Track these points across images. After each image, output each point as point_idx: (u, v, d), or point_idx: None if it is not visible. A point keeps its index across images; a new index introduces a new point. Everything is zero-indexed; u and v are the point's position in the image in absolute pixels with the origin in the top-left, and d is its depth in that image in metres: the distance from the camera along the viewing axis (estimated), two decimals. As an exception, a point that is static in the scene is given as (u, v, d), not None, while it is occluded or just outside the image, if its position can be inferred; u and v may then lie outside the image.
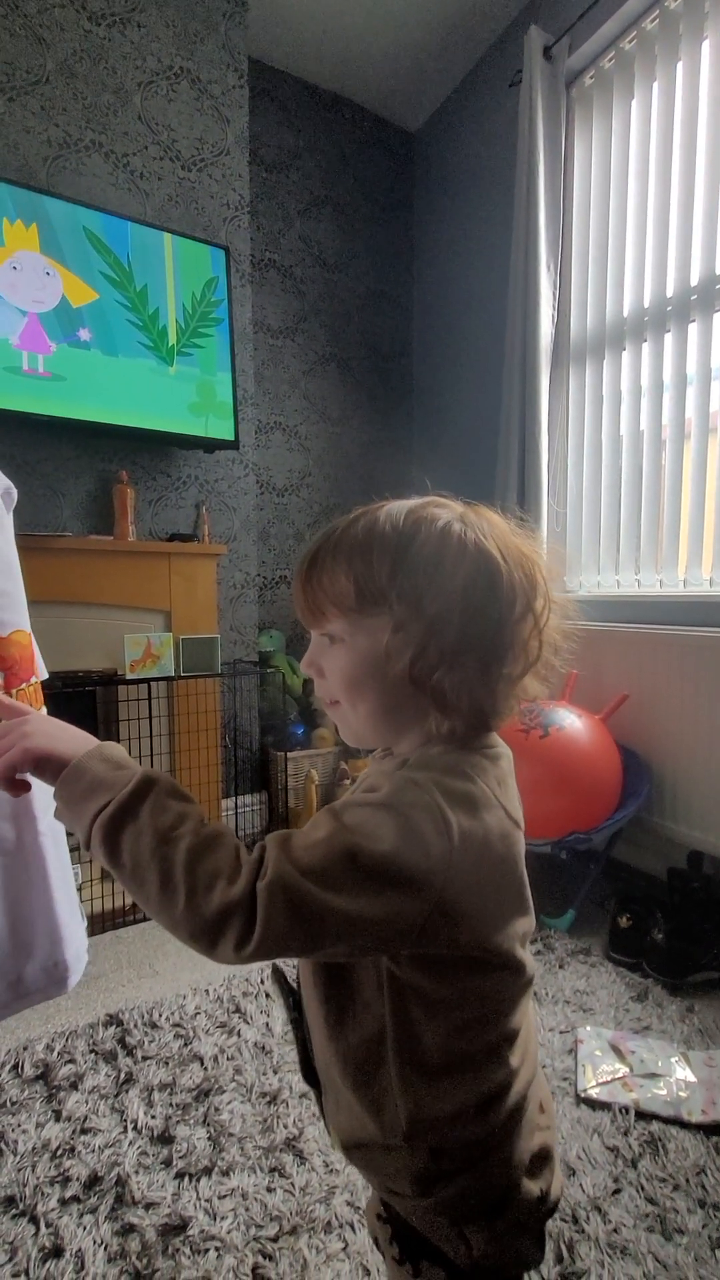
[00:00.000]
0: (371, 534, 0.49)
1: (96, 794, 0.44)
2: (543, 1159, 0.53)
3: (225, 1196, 0.90)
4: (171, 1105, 1.06)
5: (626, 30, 1.88)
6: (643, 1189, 0.91)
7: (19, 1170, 0.94)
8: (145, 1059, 1.16)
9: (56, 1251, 0.83)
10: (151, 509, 2.03)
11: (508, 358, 2.11)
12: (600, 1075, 1.11)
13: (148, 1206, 0.88)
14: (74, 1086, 1.10)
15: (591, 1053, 1.16)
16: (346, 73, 2.53)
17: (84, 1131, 1.01)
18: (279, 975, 0.58)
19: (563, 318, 2.08)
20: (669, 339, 1.77)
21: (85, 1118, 1.03)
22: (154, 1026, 1.24)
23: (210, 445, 2.01)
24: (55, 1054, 1.17)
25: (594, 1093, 1.08)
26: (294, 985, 0.58)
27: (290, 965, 0.57)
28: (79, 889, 0.79)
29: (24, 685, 0.67)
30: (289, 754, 2.15)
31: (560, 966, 1.44)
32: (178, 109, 2.00)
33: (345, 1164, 0.95)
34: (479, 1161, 0.49)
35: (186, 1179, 0.93)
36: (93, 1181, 0.92)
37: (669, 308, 1.77)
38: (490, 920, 0.47)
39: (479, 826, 0.44)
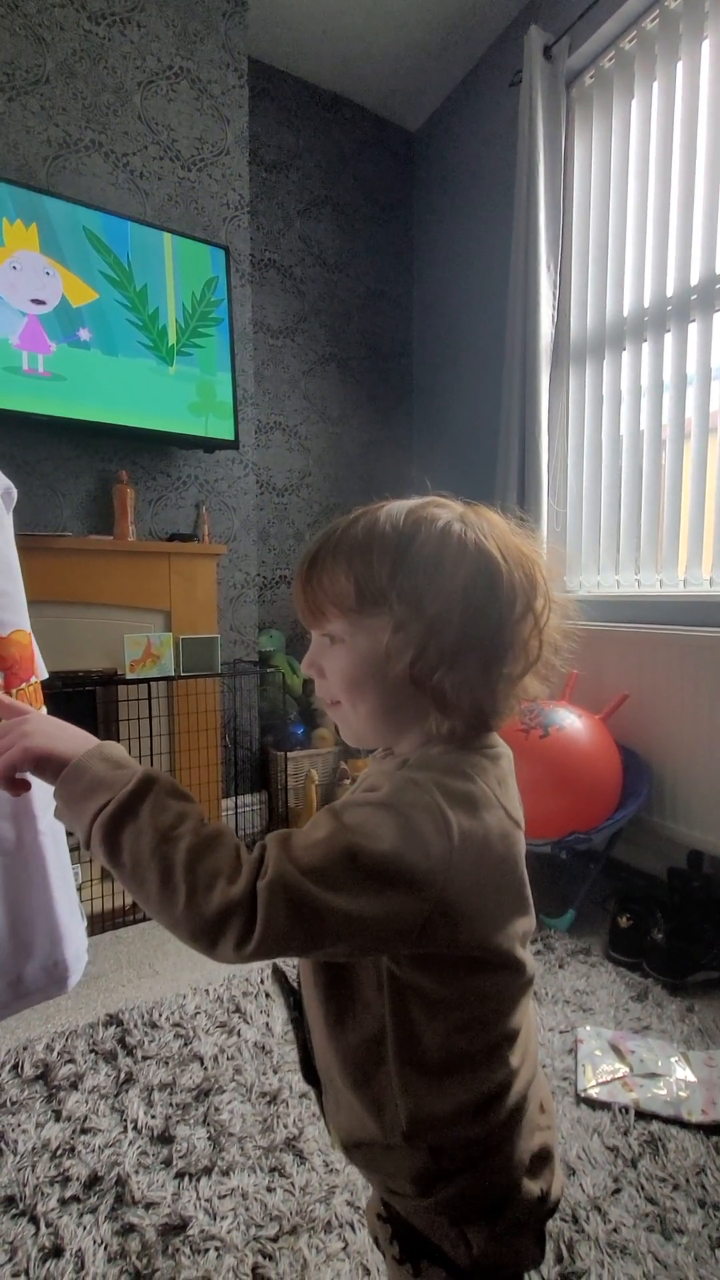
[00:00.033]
0: (372, 534, 0.49)
1: (96, 793, 0.44)
2: (543, 1159, 0.53)
3: (225, 1196, 0.90)
4: (171, 1105, 1.06)
5: (626, 30, 1.88)
6: (643, 1189, 0.91)
7: (19, 1170, 0.94)
8: (145, 1059, 1.16)
9: (56, 1251, 0.83)
10: (151, 509, 2.03)
11: (508, 357, 2.11)
12: (600, 1075, 1.11)
13: (148, 1206, 0.88)
14: (74, 1086, 1.10)
15: (591, 1052, 1.16)
16: (346, 72, 2.53)
17: (84, 1131, 1.01)
18: (280, 975, 0.58)
19: (563, 317, 2.08)
20: (669, 339, 1.77)
21: (85, 1117, 1.03)
22: (154, 1026, 1.24)
23: (210, 445, 2.01)
24: (55, 1054, 1.16)
25: (594, 1092, 1.08)
26: (294, 985, 0.58)
27: (291, 965, 0.57)
28: (79, 889, 0.79)
29: (24, 685, 0.67)
30: (289, 754, 2.15)
31: (560, 966, 1.44)
32: (178, 109, 2.00)
33: (345, 1164, 0.95)
34: (479, 1161, 0.49)
35: (186, 1179, 0.93)
36: (93, 1181, 0.92)
37: (669, 307, 1.77)
38: (490, 920, 0.47)
39: (479, 826, 0.44)
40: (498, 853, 0.46)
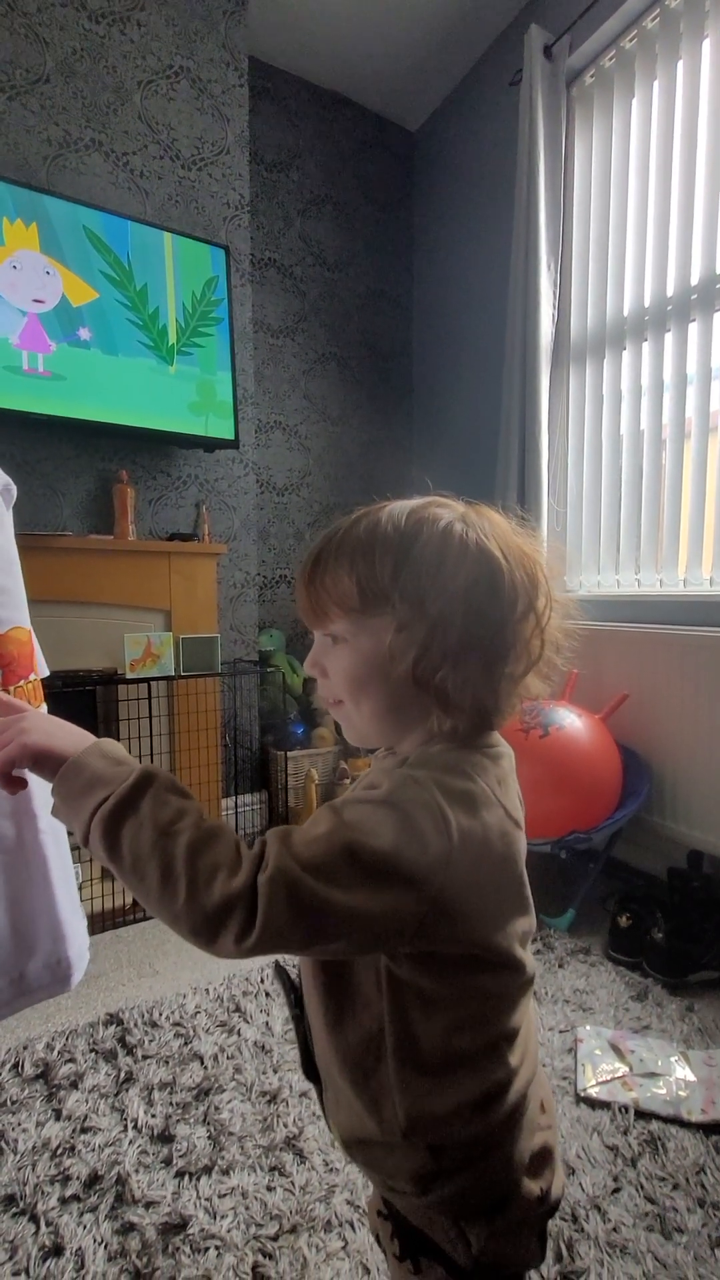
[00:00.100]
0: (374, 534, 0.49)
1: (95, 789, 0.44)
2: (543, 1158, 0.53)
3: (225, 1195, 0.90)
4: (171, 1104, 1.06)
5: (627, 29, 1.88)
6: (642, 1188, 0.91)
7: (19, 1169, 0.94)
8: (145, 1058, 1.16)
9: (57, 1250, 0.83)
10: (151, 508, 2.03)
11: (508, 357, 2.11)
12: (600, 1074, 1.11)
13: (148, 1205, 0.89)
14: (74, 1085, 1.10)
15: (591, 1052, 1.16)
16: (347, 72, 2.53)
17: (84, 1130, 1.01)
18: (281, 971, 0.58)
19: (563, 317, 2.08)
20: (669, 338, 1.77)
21: (85, 1116, 1.03)
22: (154, 1025, 1.24)
23: (210, 444, 2.01)
24: (55, 1053, 1.17)
25: (593, 1092, 1.08)
26: (296, 982, 0.58)
27: (292, 962, 0.57)
28: (79, 888, 0.79)
29: (22, 682, 0.67)
30: (289, 753, 2.15)
31: (560, 966, 1.44)
32: (178, 108, 2.00)
33: (345, 1163, 0.95)
34: (479, 1160, 0.49)
35: (186, 1178, 0.93)
36: (93, 1180, 0.92)
37: (669, 307, 1.77)
38: (489, 919, 0.47)
39: (478, 825, 0.45)
40: (497, 852, 0.46)
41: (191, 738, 1.93)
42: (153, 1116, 1.03)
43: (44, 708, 0.68)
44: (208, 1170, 0.94)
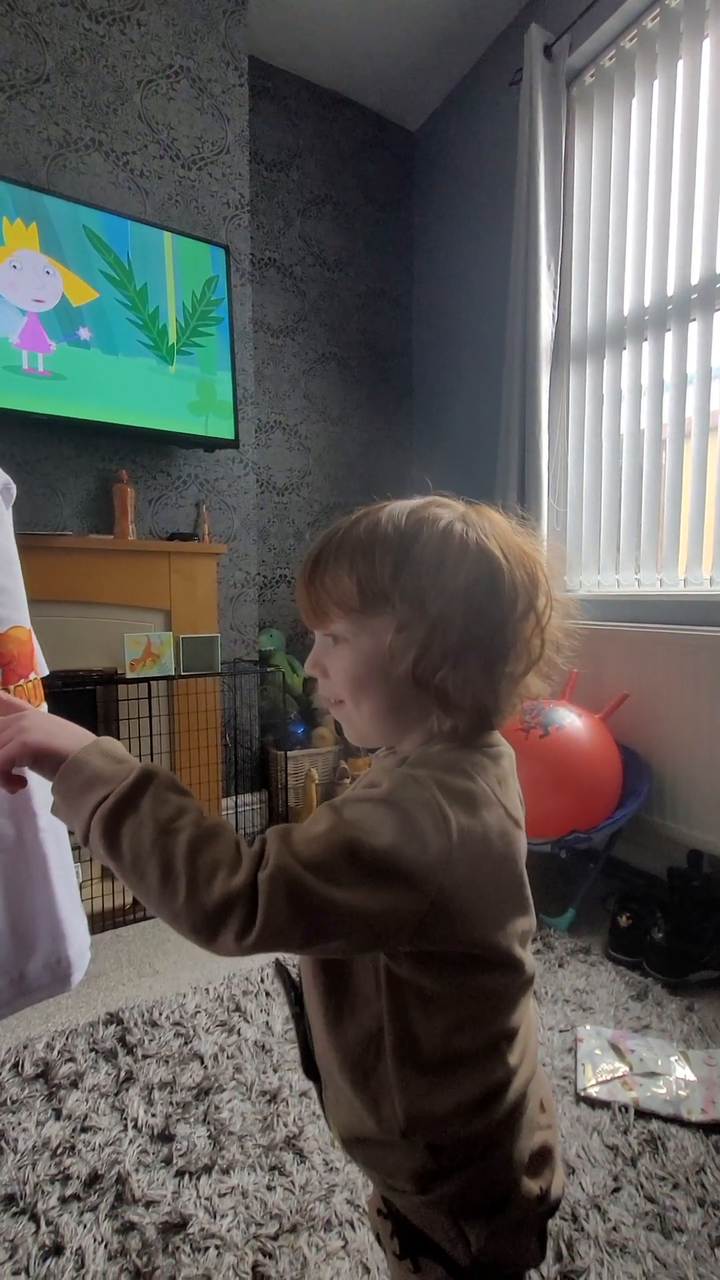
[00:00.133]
0: (374, 534, 0.49)
1: (95, 787, 0.44)
2: (543, 1157, 0.53)
3: (225, 1195, 0.90)
4: (171, 1104, 1.06)
5: (627, 29, 1.88)
6: (642, 1187, 0.91)
7: (19, 1168, 0.94)
8: (145, 1057, 1.16)
9: (57, 1249, 0.83)
10: (151, 508, 2.03)
11: (508, 356, 2.11)
12: (600, 1074, 1.11)
13: (148, 1205, 0.89)
14: (74, 1085, 1.10)
15: (591, 1051, 1.16)
16: (347, 71, 2.53)
17: (84, 1130, 1.01)
18: (282, 970, 0.58)
19: (563, 317, 2.08)
20: (669, 338, 1.77)
21: (85, 1116, 1.03)
22: (154, 1025, 1.24)
23: (210, 444, 2.01)
24: (55, 1052, 1.17)
25: (593, 1091, 1.08)
26: (296, 980, 0.58)
27: (292, 961, 0.57)
28: (79, 887, 0.79)
29: (22, 681, 0.67)
30: (289, 753, 2.15)
31: (560, 965, 1.44)
32: (178, 108, 2.00)
33: (345, 1162, 0.95)
34: (478, 1159, 0.49)
35: (187, 1177, 0.93)
36: (93, 1180, 0.92)
37: (669, 307, 1.77)
38: (489, 918, 0.47)
39: (478, 824, 0.45)
40: (497, 851, 0.46)
41: (191, 737, 1.93)
42: (153, 1116, 1.03)
43: (44, 707, 0.68)
44: (208, 1170, 0.94)
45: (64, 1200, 0.89)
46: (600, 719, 1.68)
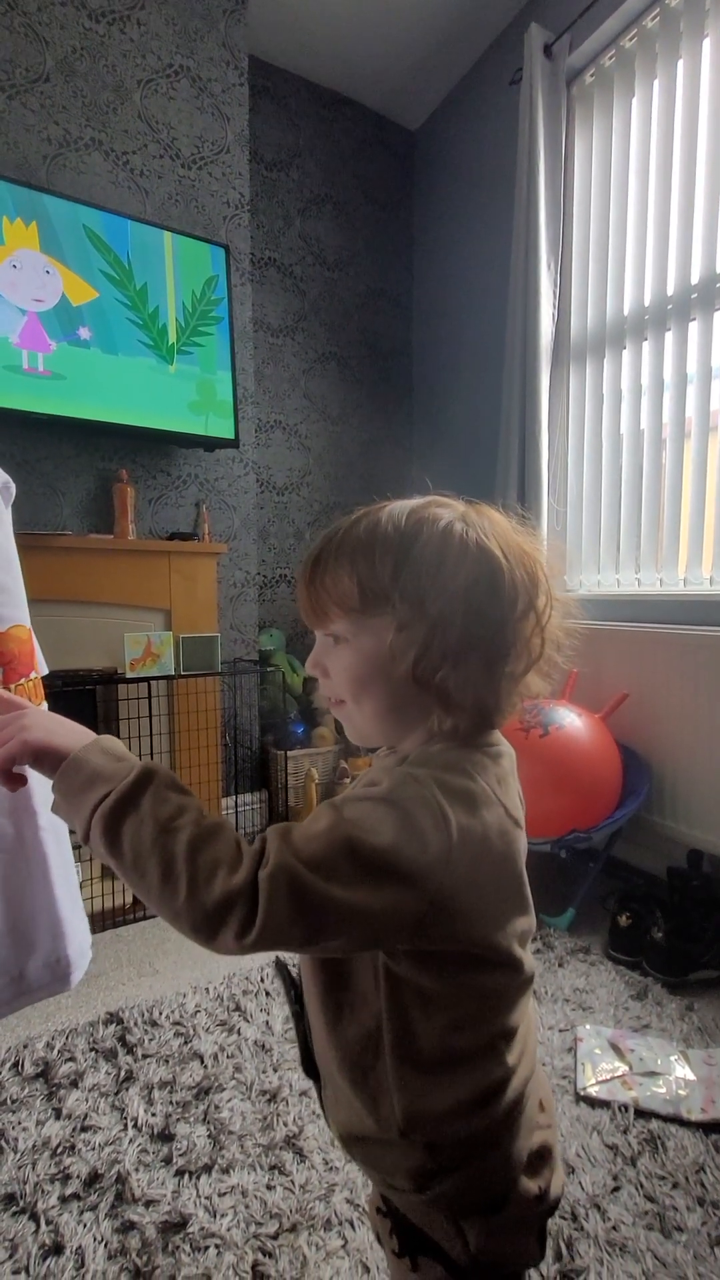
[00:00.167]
0: (374, 534, 0.49)
1: (96, 785, 0.44)
2: (542, 1157, 0.53)
3: (225, 1194, 0.90)
4: (171, 1103, 1.06)
5: (627, 28, 1.88)
6: (642, 1187, 0.91)
7: (19, 1168, 0.94)
8: (145, 1057, 1.16)
9: (57, 1249, 0.83)
10: (151, 508, 2.03)
11: (508, 356, 2.11)
12: (600, 1073, 1.11)
13: (148, 1204, 0.89)
14: (74, 1084, 1.10)
15: (591, 1051, 1.17)
16: (347, 71, 2.53)
17: (84, 1129, 1.01)
18: (282, 968, 0.59)
19: (563, 316, 2.08)
20: (669, 338, 1.77)
21: (85, 1115, 1.03)
22: (154, 1024, 1.24)
23: (210, 444, 2.01)
24: (55, 1052, 1.17)
25: (593, 1091, 1.08)
26: (296, 979, 0.58)
27: (292, 960, 0.57)
28: (79, 886, 0.79)
29: (23, 680, 0.67)
30: (289, 753, 2.15)
31: (560, 965, 1.44)
32: (178, 107, 2.00)
33: (345, 1161, 0.95)
34: (476, 1158, 0.49)
35: (186, 1176, 0.93)
36: (93, 1179, 0.93)
37: (669, 306, 1.77)
38: (488, 918, 0.47)
39: (478, 824, 0.45)
40: (497, 850, 0.46)
41: (191, 737, 1.93)
42: (153, 1115, 1.03)
43: (44, 706, 0.68)
44: (208, 1169, 0.94)
45: (64, 1199, 0.89)
46: (600, 719, 1.68)
